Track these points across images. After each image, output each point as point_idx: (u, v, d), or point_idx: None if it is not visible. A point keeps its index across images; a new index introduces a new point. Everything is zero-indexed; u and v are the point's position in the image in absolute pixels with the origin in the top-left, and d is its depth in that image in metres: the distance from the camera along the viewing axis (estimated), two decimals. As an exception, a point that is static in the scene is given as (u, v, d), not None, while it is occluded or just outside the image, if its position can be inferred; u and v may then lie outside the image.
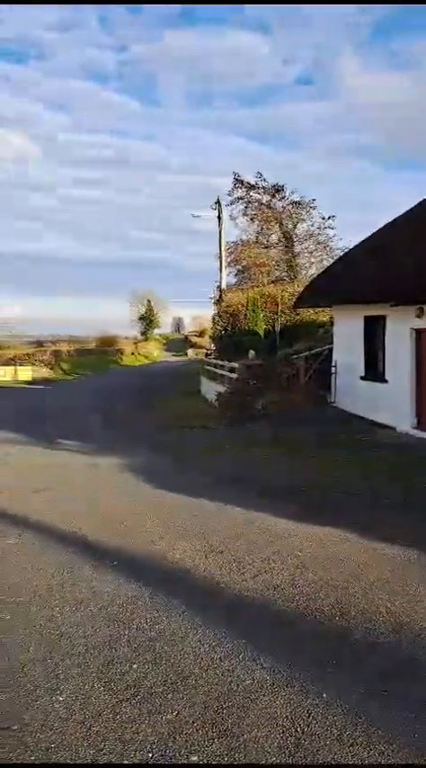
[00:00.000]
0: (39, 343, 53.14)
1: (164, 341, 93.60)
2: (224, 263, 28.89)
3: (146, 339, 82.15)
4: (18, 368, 38.49)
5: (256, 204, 33.76)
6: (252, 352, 19.29)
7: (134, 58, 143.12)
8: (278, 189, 33.28)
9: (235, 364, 18.27)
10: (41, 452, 12.45)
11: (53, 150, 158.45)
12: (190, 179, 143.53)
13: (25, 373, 37.89)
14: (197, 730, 3.34)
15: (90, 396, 26.08)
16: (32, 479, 9.79)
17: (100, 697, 3.69)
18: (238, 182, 33.26)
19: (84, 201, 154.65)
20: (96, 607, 4.95)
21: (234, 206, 33.21)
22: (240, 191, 33.38)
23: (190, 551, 6.27)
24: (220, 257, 28.73)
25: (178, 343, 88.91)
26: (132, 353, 64.28)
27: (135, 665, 4.04)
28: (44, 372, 39.75)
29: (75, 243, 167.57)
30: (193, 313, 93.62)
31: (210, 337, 37.80)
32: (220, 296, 27.57)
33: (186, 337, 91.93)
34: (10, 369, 38.22)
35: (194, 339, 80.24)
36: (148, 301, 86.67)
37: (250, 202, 33.72)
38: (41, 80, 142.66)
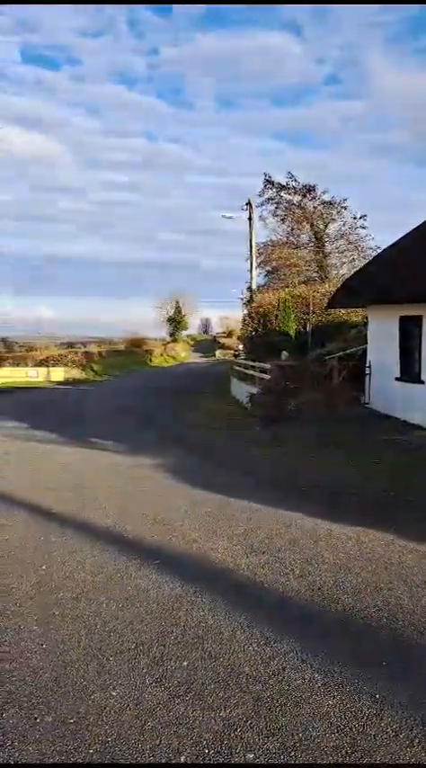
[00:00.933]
0: (71, 345, 53.90)
1: (192, 342, 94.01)
2: (254, 264, 28.85)
3: (175, 340, 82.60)
4: (50, 369, 39.10)
5: (286, 204, 33.64)
6: (285, 353, 19.24)
7: (163, 60, 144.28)
8: (309, 189, 33.10)
9: (267, 365, 18.20)
10: (78, 452, 12.61)
11: (83, 153, 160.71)
12: (218, 180, 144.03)
13: (57, 374, 38.48)
14: (251, 728, 3.36)
15: (121, 396, 26.30)
16: (71, 478, 9.94)
17: (152, 693, 3.73)
18: (269, 182, 33.18)
19: (113, 203, 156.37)
20: (142, 604, 5.01)
21: (264, 207, 33.17)
22: (270, 191, 33.32)
23: (231, 551, 6.29)
24: (251, 258, 28.70)
25: (206, 344, 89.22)
26: (161, 354, 64.84)
27: (185, 663, 4.07)
28: (75, 373, 40.25)
29: (101, 245, 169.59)
30: (221, 314, 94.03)
31: (239, 338, 37.83)
32: (251, 296, 27.55)
33: (214, 338, 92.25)
34: (43, 369, 38.87)
35: (222, 340, 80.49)
36: (177, 302, 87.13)
37: (280, 203, 33.60)
38: (72, 84, 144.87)
